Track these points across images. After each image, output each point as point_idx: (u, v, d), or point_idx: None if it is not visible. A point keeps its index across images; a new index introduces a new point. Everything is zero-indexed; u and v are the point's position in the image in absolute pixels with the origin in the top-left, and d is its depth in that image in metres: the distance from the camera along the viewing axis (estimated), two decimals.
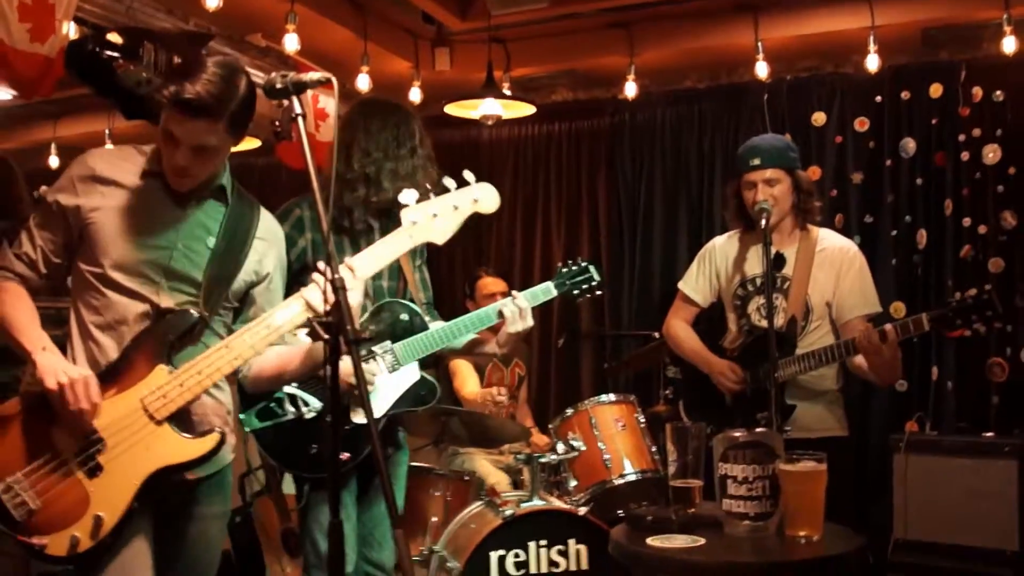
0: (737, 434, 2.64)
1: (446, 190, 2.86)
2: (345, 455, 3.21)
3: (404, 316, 3.38)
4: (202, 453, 2.59)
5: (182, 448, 2.57)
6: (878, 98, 5.68)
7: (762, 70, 5.43)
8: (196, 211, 2.69)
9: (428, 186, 2.89)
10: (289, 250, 3.23)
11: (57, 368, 2.45)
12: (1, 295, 2.60)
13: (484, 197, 2.90)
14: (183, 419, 2.60)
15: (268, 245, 2.83)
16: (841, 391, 3.95)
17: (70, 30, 3.62)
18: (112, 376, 2.55)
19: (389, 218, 3.39)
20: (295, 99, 2.28)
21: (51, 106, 4.57)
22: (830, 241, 3.95)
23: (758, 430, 2.72)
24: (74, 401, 2.43)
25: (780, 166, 3.85)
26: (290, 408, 3.08)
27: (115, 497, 2.49)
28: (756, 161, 3.85)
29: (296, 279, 3.26)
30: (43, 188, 2.75)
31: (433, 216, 2.80)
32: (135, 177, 2.64)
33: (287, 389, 3.10)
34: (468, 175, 2.90)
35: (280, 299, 2.84)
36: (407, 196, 2.81)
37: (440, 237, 2.83)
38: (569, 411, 4.58)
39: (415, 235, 2.79)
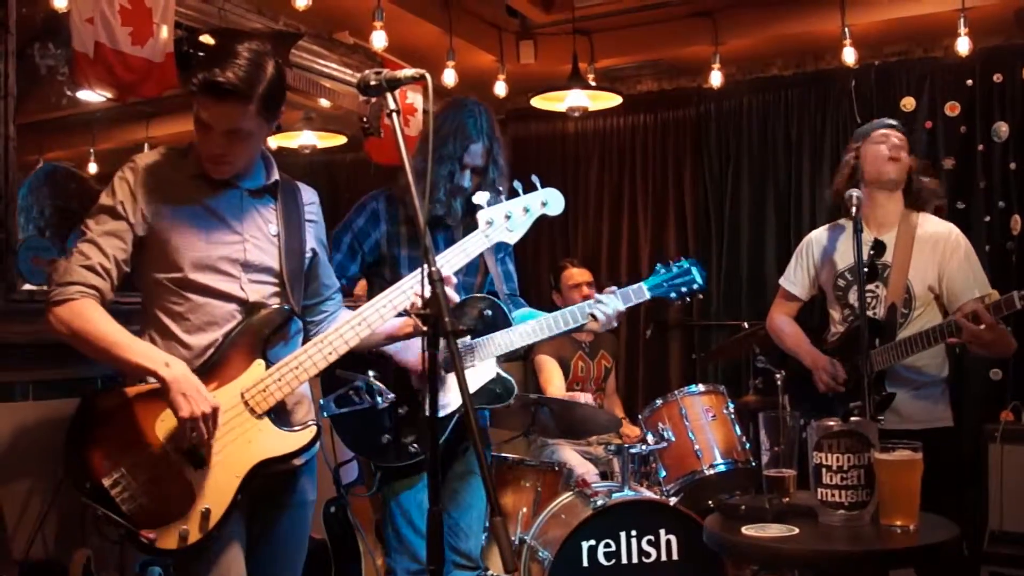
0: (831, 423, 2.63)
1: (516, 193, 3.02)
2: (416, 446, 3.25)
3: (487, 311, 3.37)
4: (301, 446, 2.66)
5: (282, 441, 2.63)
6: (969, 81, 5.56)
7: (849, 56, 5.34)
8: (253, 204, 2.72)
9: (500, 188, 3.07)
10: (363, 242, 3.36)
11: (190, 395, 2.43)
12: (85, 313, 2.49)
13: (551, 200, 3.08)
14: (278, 411, 2.66)
15: (313, 224, 2.88)
16: (946, 381, 3.87)
17: (168, 33, 3.72)
18: (211, 370, 2.58)
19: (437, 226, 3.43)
20: (389, 95, 2.30)
21: (144, 107, 4.70)
22: (931, 225, 3.89)
23: (852, 419, 2.69)
24: (204, 435, 2.46)
25: (908, 141, 3.91)
26: (366, 397, 3.12)
27: (221, 490, 2.53)
28: (893, 122, 3.93)
29: (371, 270, 3.40)
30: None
31: (506, 217, 2.97)
32: (186, 178, 2.64)
33: (363, 377, 3.14)
34: (535, 179, 3.05)
35: (330, 270, 2.97)
36: (480, 197, 2.97)
37: (512, 238, 3.00)
38: (659, 402, 4.58)
39: (491, 235, 2.95)
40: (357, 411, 3.13)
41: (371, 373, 3.15)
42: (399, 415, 3.25)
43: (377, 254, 3.38)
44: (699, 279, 3.41)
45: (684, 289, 3.41)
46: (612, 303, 3.30)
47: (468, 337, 3.31)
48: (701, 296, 3.49)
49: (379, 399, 3.07)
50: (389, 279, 3.30)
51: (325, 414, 3.19)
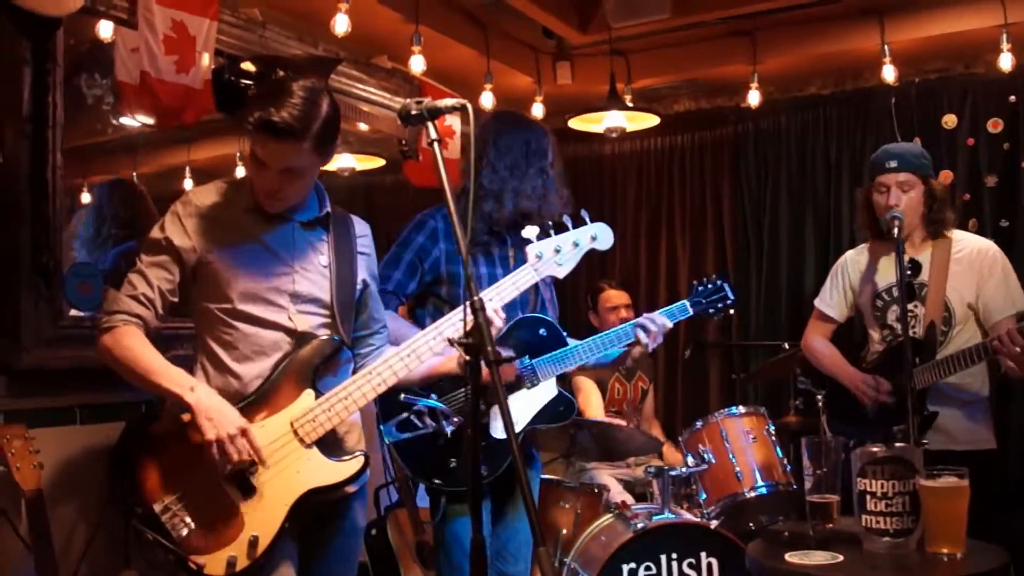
0: (875, 449, 2.60)
1: (565, 228, 3.05)
2: (485, 469, 3.23)
3: (542, 331, 3.42)
4: (348, 476, 2.68)
5: (329, 471, 2.66)
6: (1012, 98, 5.50)
7: (889, 74, 5.31)
8: (305, 236, 2.77)
9: (549, 222, 3.07)
10: (424, 260, 3.36)
11: (215, 418, 2.49)
12: (125, 340, 2.59)
13: (601, 235, 3.14)
14: (328, 440, 2.68)
15: (365, 256, 2.92)
16: (989, 399, 3.83)
17: (208, 60, 3.75)
18: (261, 399, 2.63)
19: (504, 237, 3.46)
20: (430, 124, 2.31)
21: (185, 131, 4.77)
22: (967, 242, 3.86)
23: (897, 445, 2.67)
24: (236, 457, 2.50)
25: (915, 172, 3.79)
26: (430, 422, 3.14)
27: (269, 518, 2.57)
28: (892, 164, 3.80)
29: (430, 288, 3.41)
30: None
31: (555, 251, 3.00)
32: (240, 212, 2.71)
33: (427, 402, 3.16)
34: (584, 214, 3.10)
35: (380, 304, 3.00)
36: (529, 231, 2.99)
37: (561, 272, 3.03)
38: (699, 423, 4.55)
39: (540, 269, 2.98)
40: (421, 436, 3.16)
41: (434, 396, 3.18)
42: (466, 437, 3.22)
43: (436, 272, 3.39)
44: (731, 295, 3.65)
45: (720, 305, 3.63)
46: (659, 319, 3.45)
47: (528, 357, 3.35)
48: (732, 311, 3.71)
49: (445, 423, 3.09)
50: (446, 297, 3.38)
51: (388, 440, 3.20)
